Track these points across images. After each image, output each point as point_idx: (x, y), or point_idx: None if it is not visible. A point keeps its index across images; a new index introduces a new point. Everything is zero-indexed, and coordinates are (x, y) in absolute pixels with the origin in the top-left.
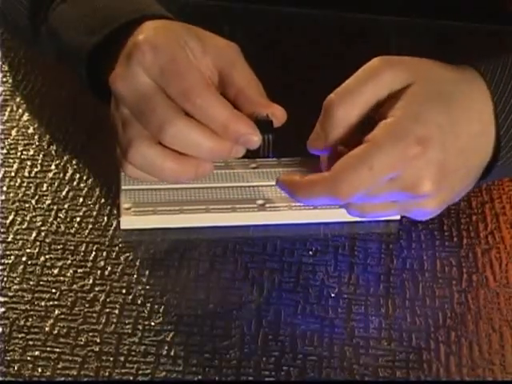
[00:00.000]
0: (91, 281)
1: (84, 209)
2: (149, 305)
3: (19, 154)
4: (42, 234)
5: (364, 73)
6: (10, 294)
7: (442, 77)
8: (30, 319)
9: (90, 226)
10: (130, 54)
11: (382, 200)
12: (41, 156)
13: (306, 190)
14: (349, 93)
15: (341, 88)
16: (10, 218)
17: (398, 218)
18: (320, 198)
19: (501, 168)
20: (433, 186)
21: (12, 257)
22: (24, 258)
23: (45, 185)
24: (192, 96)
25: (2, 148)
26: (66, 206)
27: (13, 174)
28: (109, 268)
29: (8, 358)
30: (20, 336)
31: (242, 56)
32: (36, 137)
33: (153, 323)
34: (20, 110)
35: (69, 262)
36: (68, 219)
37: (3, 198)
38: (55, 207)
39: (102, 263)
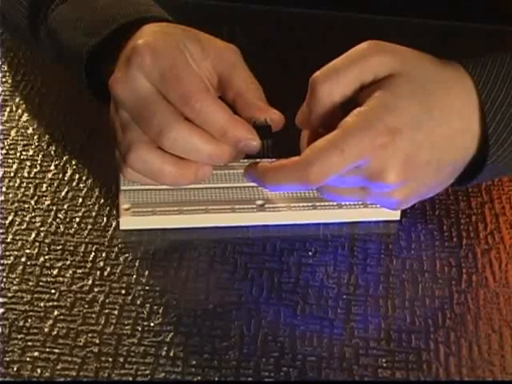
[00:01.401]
0: (90, 281)
1: (83, 209)
2: (148, 305)
3: (18, 154)
4: (42, 234)
5: (352, 54)
6: (10, 294)
7: (427, 71)
8: (30, 320)
9: (90, 227)
10: (129, 58)
11: (349, 185)
12: (40, 156)
13: (274, 175)
14: (334, 71)
15: (327, 66)
16: (10, 218)
17: (398, 218)
18: (289, 183)
19: (492, 167)
20: (397, 177)
21: (11, 257)
22: (23, 259)
23: (44, 185)
24: (191, 100)
25: (2, 148)
26: (65, 207)
27: (12, 174)
28: (108, 268)
29: (7, 359)
30: (19, 337)
31: (242, 58)
32: (35, 137)
33: (152, 324)
34: (19, 111)
35: (68, 262)
36: (67, 220)
37: (2, 198)
38: (54, 208)
39: (102, 264)
